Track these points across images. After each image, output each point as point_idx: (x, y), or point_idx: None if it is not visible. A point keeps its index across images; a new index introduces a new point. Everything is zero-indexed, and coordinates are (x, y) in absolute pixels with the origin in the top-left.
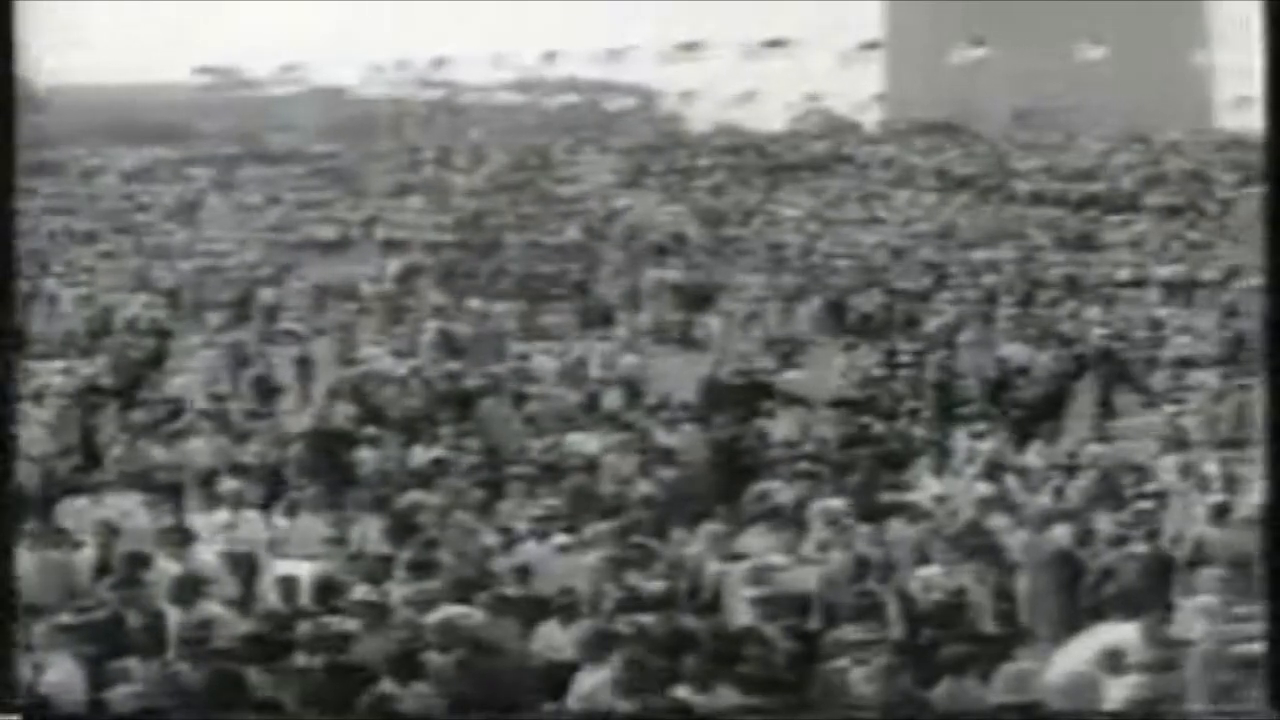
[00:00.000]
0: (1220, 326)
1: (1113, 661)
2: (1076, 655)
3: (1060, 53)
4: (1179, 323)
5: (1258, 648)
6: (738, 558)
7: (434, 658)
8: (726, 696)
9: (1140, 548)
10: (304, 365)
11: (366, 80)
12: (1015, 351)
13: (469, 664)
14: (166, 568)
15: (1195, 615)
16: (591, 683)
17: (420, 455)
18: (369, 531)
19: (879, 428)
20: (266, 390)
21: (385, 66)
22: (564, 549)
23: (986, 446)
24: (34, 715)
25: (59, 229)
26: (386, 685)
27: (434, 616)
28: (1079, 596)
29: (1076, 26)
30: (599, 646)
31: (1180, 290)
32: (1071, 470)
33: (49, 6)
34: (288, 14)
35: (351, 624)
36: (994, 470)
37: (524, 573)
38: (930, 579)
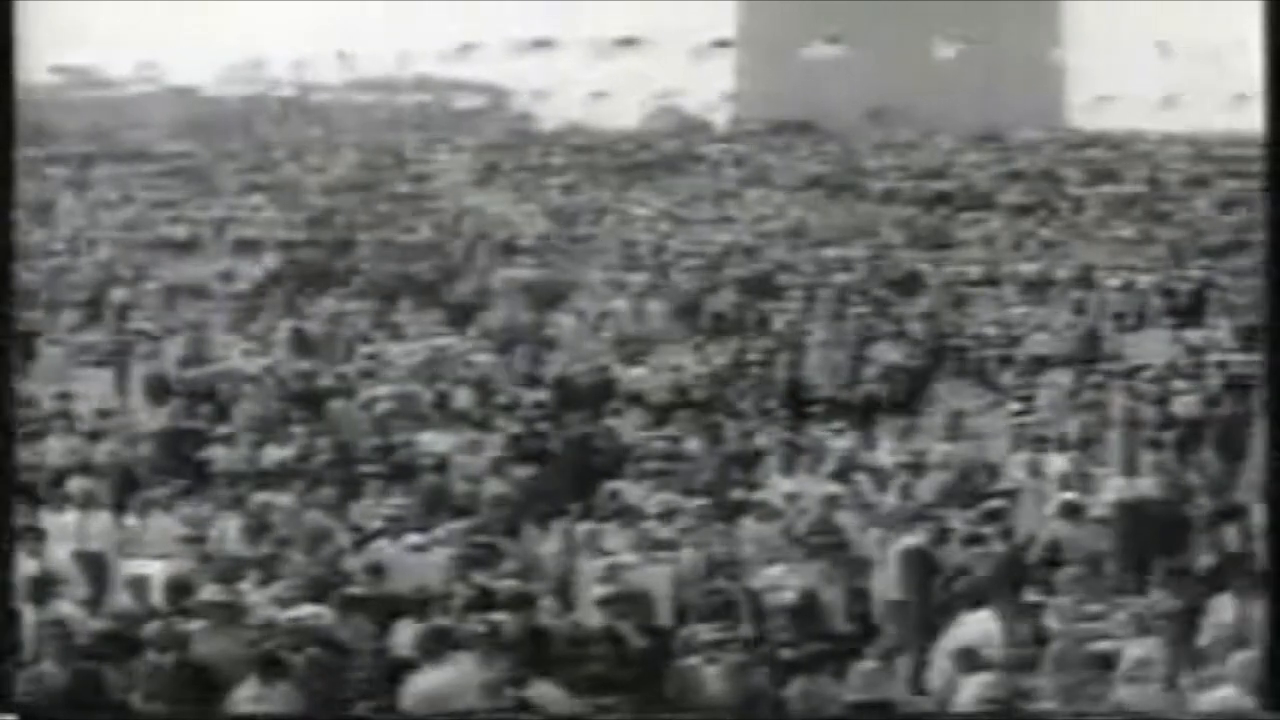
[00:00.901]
0: (1071, 325)
1: (969, 659)
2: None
3: (914, 51)
4: (1033, 320)
5: (1110, 645)
6: (589, 556)
7: (286, 657)
8: (579, 694)
9: (993, 546)
10: (156, 364)
11: (221, 79)
12: (867, 350)
13: (319, 663)
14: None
15: (1050, 614)
16: (431, 682)
17: (273, 454)
18: (225, 531)
19: (729, 426)
20: (118, 389)
21: (240, 65)
22: (417, 548)
23: (839, 445)
24: (33, 715)
25: None
26: (238, 685)
27: (286, 615)
28: (932, 595)
29: (931, 24)
30: (440, 645)
31: (1034, 288)
32: (923, 469)
33: None
34: (144, 13)
35: (201, 623)
36: (845, 469)
37: (376, 571)
38: (779, 577)
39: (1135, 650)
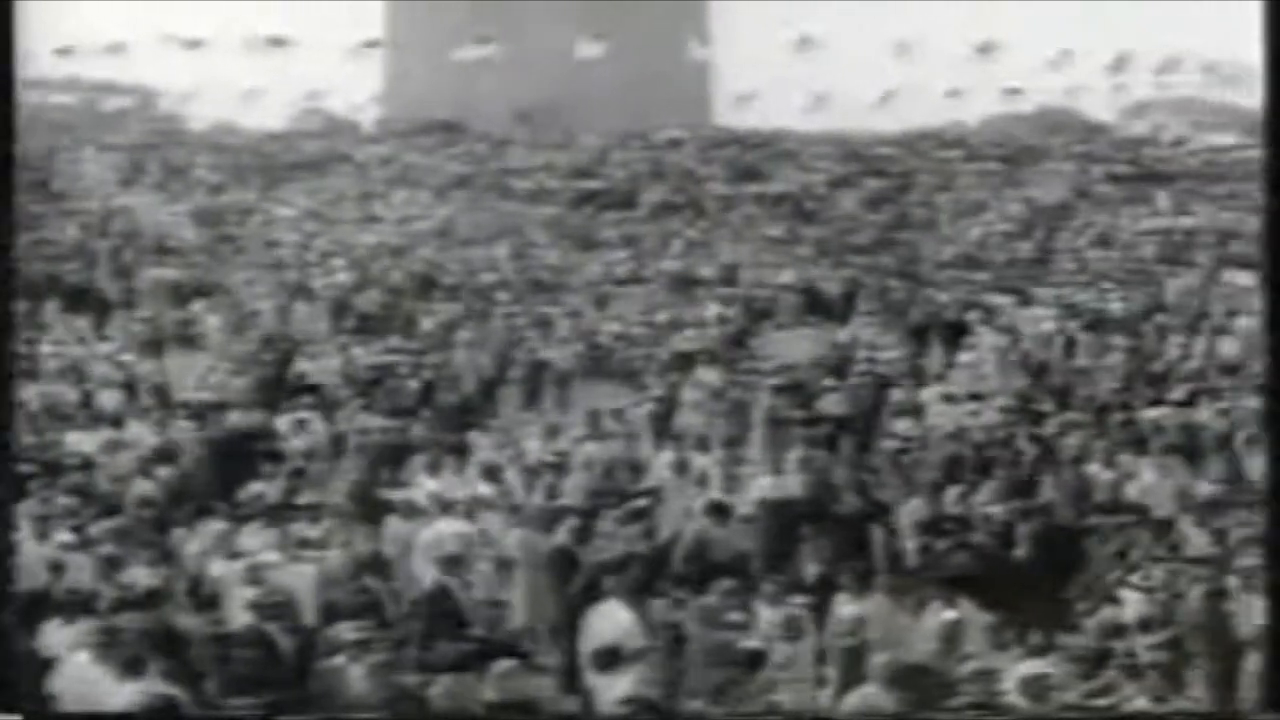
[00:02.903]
0: (721, 322)
1: (609, 658)
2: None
3: (562, 50)
4: (678, 319)
5: (755, 644)
6: (235, 556)
7: None
8: (227, 694)
9: (638, 545)
10: None
11: None
12: (516, 350)
13: None
14: None
15: (694, 613)
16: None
17: None
18: None
19: (378, 424)
20: None
21: None
22: (66, 547)
23: (485, 443)
24: (35, 715)
25: None
26: None
27: None
28: (575, 594)
29: (578, 24)
30: (79, 645)
31: (680, 286)
32: (567, 468)
33: None
34: None
35: None
36: (492, 469)
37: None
38: (424, 576)
39: (784, 649)
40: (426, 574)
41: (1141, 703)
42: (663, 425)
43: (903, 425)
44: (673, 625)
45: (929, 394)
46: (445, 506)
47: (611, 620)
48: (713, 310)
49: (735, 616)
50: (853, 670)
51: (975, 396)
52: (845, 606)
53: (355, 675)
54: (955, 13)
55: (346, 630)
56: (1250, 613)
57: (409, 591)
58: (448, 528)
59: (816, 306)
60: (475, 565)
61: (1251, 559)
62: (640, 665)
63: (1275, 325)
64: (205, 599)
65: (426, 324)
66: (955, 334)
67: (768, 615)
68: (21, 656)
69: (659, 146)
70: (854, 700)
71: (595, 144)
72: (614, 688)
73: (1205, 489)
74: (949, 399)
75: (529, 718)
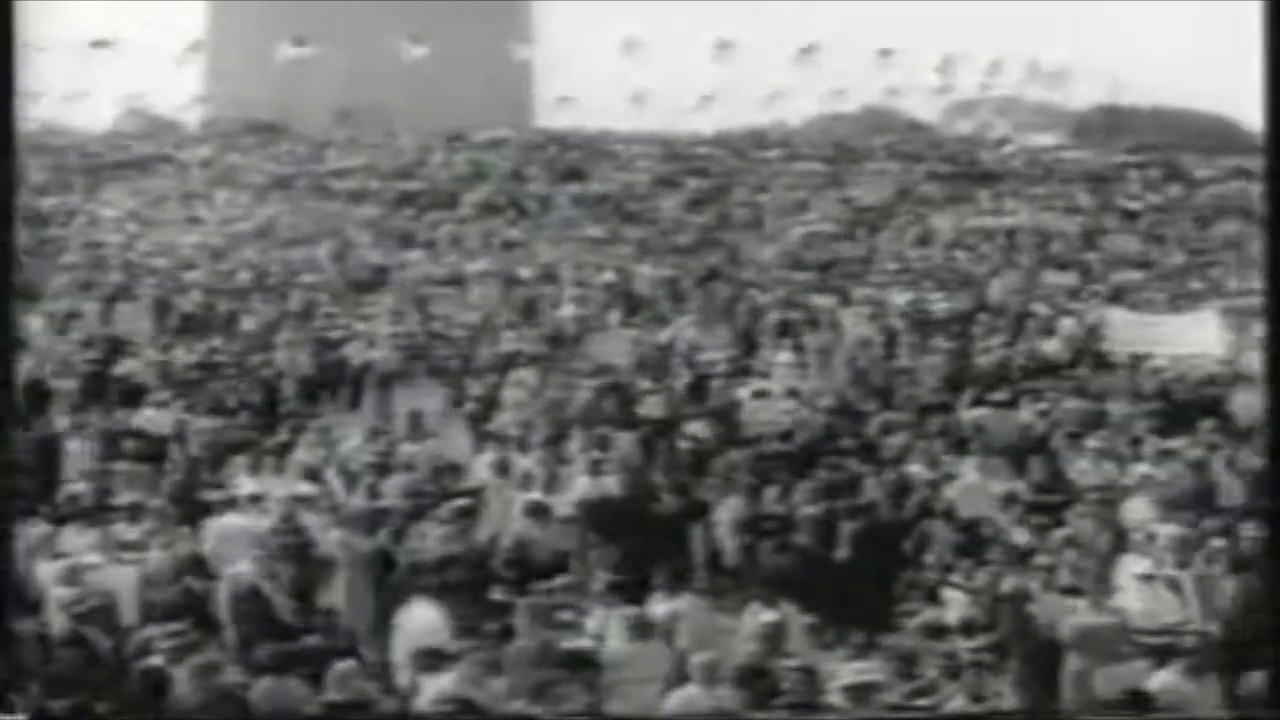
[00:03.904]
0: (540, 324)
1: (428, 658)
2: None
3: (383, 52)
4: (500, 321)
5: (585, 644)
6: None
7: None
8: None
9: (457, 545)
10: None
11: None
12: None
13: None
14: None
15: (522, 613)
16: None
17: None
18: None
19: (201, 425)
20: None
21: None
22: None
23: (306, 444)
24: (36, 715)
25: None
26: None
27: None
28: (394, 595)
29: (400, 25)
30: None
31: (503, 286)
32: (389, 468)
33: None
34: None
35: None
36: (312, 469)
37: None
38: (245, 577)
39: (616, 648)
40: (242, 573)
41: (958, 702)
42: (483, 426)
43: (724, 425)
44: (493, 625)
45: (749, 393)
46: (264, 506)
47: (420, 620)
48: (533, 310)
49: (559, 616)
50: (675, 671)
51: (792, 393)
52: (662, 606)
53: (178, 677)
54: (778, 14)
55: (166, 631)
56: (1071, 614)
57: (229, 592)
58: (263, 527)
59: (637, 307)
60: (291, 565)
61: (1070, 559)
62: (460, 665)
63: (1276, 325)
64: (30, 601)
65: (247, 324)
66: (777, 334)
67: (591, 615)
68: (21, 657)
69: (481, 147)
70: (675, 701)
71: (417, 144)
72: (433, 687)
73: (1025, 489)
74: (768, 397)
75: (353, 717)
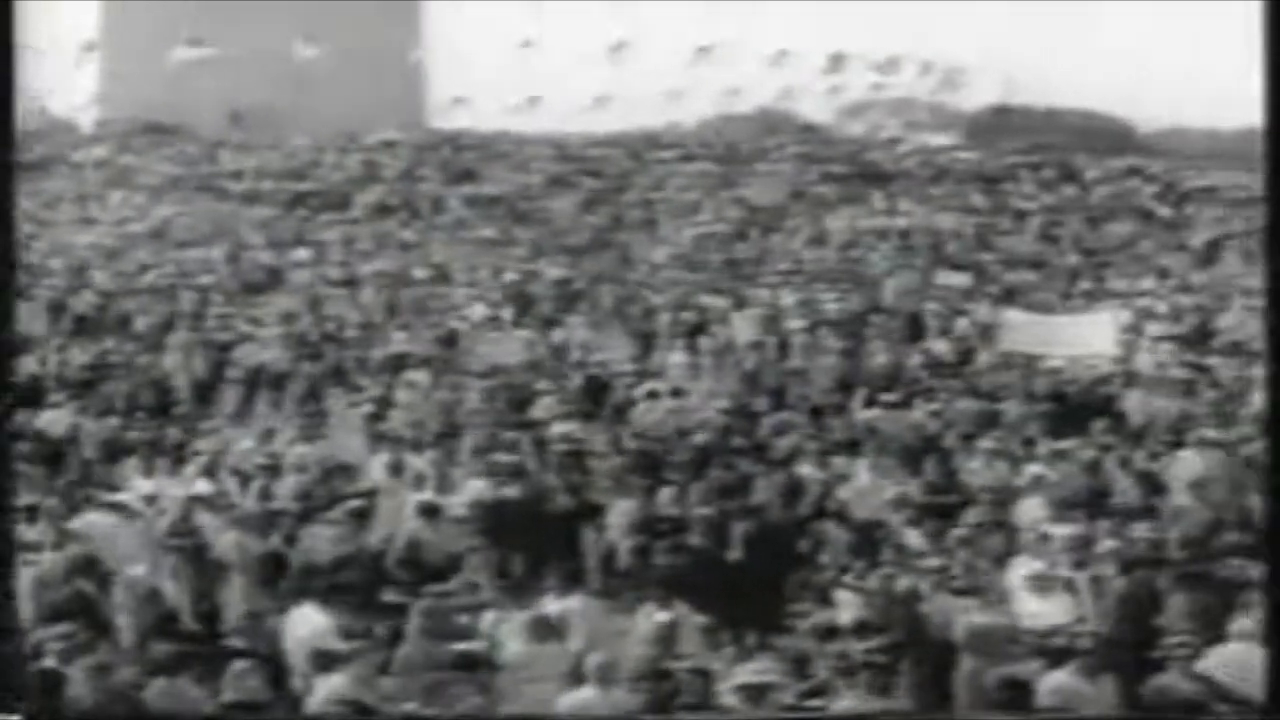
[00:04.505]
0: (433, 325)
1: (320, 659)
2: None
3: (276, 52)
4: (393, 322)
5: (477, 645)
6: None
7: None
8: None
9: (349, 547)
10: None
11: None
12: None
13: None
14: None
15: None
16: None
17: None
18: None
19: (93, 425)
20: None
21: None
22: None
23: (199, 445)
24: (35, 715)
25: None
26: None
27: None
28: (287, 597)
29: (294, 26)
30: None
31: (395, 287)
32: (280, 470)
33: None
34: None
35: None
36: (205, 470)
37: None
38: (139, 579)
39: (512, 649)
40: (139, 575)
41: (851, 702)
42: (377, 427)
43: (617, 425)
44: (384, 626)
45: (641, 395)
46: (158, 507)
47: (309, 623)
48: (425, 311)
49: (452, 618)
50: (570, 672)
51: (677, 393)
52: (557, 607)
53: (72, 677)
54: (672, 14)
55: (63, 632)
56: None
57: (123, 592)
58: (159, 529)
59: (530, 308)
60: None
61: (963, 560)
62: (351, 666)
63: (1275, 326)
64: None
65: (140, 325)
66: (671, 335)
67: (485, 616)
68: (22, 657)
69: (373, 148)
70: (571, 702)
71: (310, 145)
72: (325, 688)
73: (918, 490)
74: (660, 398)
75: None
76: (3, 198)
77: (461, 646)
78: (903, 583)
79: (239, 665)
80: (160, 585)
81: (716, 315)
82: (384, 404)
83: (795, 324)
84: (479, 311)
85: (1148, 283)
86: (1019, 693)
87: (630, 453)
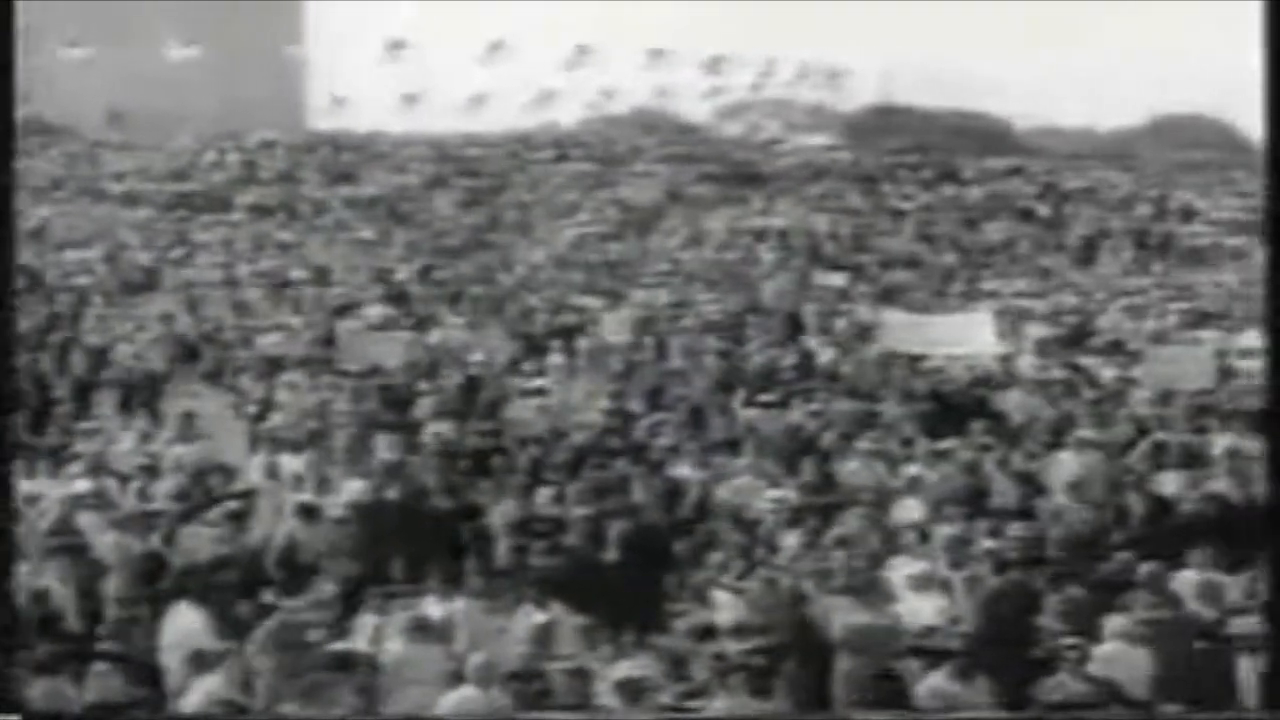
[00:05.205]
0: (310, 325)
1: (196, 660)
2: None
3: (155, 53)
4: (269, 322)
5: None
6: None
7: None
8: None
9: (227, 549)
10: None
11: None
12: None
13: None
14: None
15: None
16: None
17: None
18: None
19: None
20: None
21: None
22: None
23: (82, 446)
24: (34, 715)
25: None
26: None
27: None
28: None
29: (172, 25)
30: None
31: (272, 289)
32: (159, 471)
33: None
34: None
35: None
36: (85, 471)
37: None
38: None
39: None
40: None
41: (729, 703)
42: (256, 427)
43: (494, 426)
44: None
45: (519, 395)
46: (40, 509)
47: (184, 623)
48: (304, 312)
49: (330, 619)
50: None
51: (554, 394)
52: (437, 608)
53: None
54: (549, 15)
55: None
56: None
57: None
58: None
59: (408, 308)
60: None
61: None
62: (225, 667)
63: (1276, 326)
64: None
65: (20, 325)
66: (548, 335)
67: (364, 616)
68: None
69: (252, 149)
70: (450, 702)
71: (189, 146)
72: (199, 689)
73: (796, 490)
74: (538, 398)
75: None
76: (3, 199)
77: (338, 647)
78: (781, 583)
79: (100, 666)
80: (55, 586)
81: (593, 316)
82: (263, 405)
83: (672, 324)
84: (357, 312)
85: (1027, 283)
86: (895, 690)
87: (508, 453)
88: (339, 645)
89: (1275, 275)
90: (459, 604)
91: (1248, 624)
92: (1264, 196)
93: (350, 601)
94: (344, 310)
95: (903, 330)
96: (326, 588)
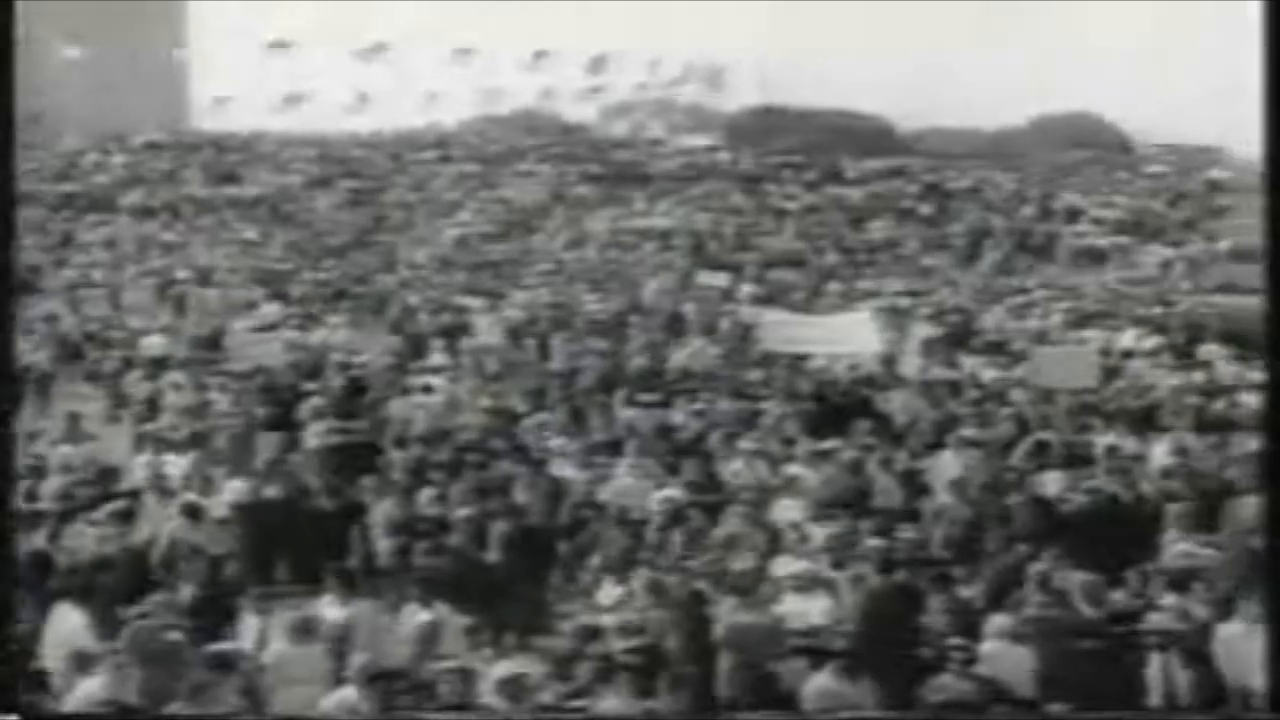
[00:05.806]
0: (197, 325)
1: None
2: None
3: (39, 52)
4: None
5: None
6: None
7: None
8: None
9: (112, 548)
10: None
11: None
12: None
13: None
14: None
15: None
16: None
17: None
18: None
19: None
20: None
21: None
22: None
23: None
24: (33, 715)
25: None
26: None
27: None
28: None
29: (55, 26)
30: None
31: (156, 290)
32: (43, 470)
33: None
34: None
35: None
36: None
37: None
38: None
39: (274, 649)
40: None
41: (613, 703)
42: (140, 427)
43: (377, 425)
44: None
45: (401, 394)
46: None
47: (65, 623)
48: (187, 312)
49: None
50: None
51: (436, 392)
52: (322, 607)
53: None
54: (433, 15)
55: None
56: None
57: None
58: None
59: (291, 308)
60: None
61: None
62: (106, 667)
63: (1276, 326)
64: None
65: None
66: (431, 335)
67: (248, 618)
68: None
69: (137, 150)
70: (332, 702)
71: (74, 146)
72: (83, 689)
73: (680, 490)
74: (419, 396)
75: None
76: (3, 199)
77: (218, 647)
78: (664, 583)
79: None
80: None
81: (476, 315)
82: (147, 405)
83: (555, 323)
84: (241, 312)
85: (907, 283)
86: (777, 690)
87: (391, 453)
88: (219, 646)
89: (1275, 275)
90: (344, 604)
91: (1160, 621)
92: (1264, 196)
93: (226, 603)
94: (229, 311)
95: (784, 329)
96: (185, 589)
